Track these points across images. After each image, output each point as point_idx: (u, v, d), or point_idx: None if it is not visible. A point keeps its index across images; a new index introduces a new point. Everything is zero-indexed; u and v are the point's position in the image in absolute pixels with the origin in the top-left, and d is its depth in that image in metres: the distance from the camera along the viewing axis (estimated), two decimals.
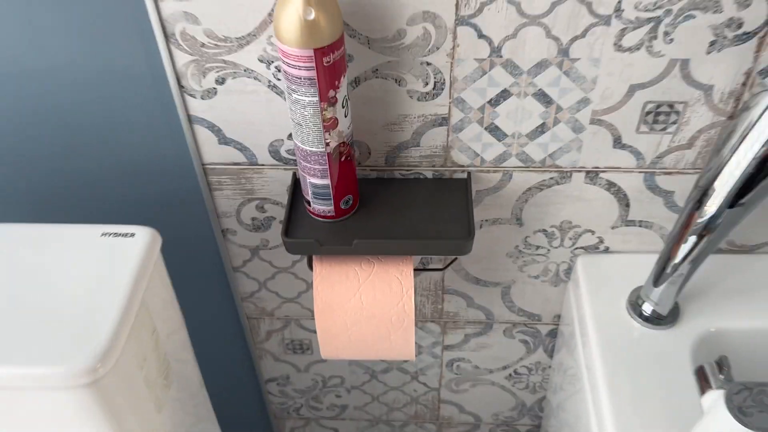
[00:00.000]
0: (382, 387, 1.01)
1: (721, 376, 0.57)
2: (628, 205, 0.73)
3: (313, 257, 0.69)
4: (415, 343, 0.93)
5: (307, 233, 0.66)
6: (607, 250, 0.78)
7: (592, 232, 0.76)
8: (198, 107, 0.67)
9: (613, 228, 0.76)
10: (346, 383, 1.01)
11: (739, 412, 0.52)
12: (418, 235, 0.66)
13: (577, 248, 0.78)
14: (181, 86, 0.65)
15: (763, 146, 0.58)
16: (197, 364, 0.76)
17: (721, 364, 0.58)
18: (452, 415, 1.05)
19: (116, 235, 0.60)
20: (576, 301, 0.78)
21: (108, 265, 0.58)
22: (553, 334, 0.90)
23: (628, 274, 0.75)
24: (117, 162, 0.73)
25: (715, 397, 0.54)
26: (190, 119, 0.68)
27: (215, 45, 0.62)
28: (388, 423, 1.08)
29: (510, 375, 0.97)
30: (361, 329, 0.69)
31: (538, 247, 0.78)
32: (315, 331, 0.92)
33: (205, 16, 0.60)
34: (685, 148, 0.67)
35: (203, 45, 0.62)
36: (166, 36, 0.62)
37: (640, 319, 0.72)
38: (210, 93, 0.66)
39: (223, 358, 0.97)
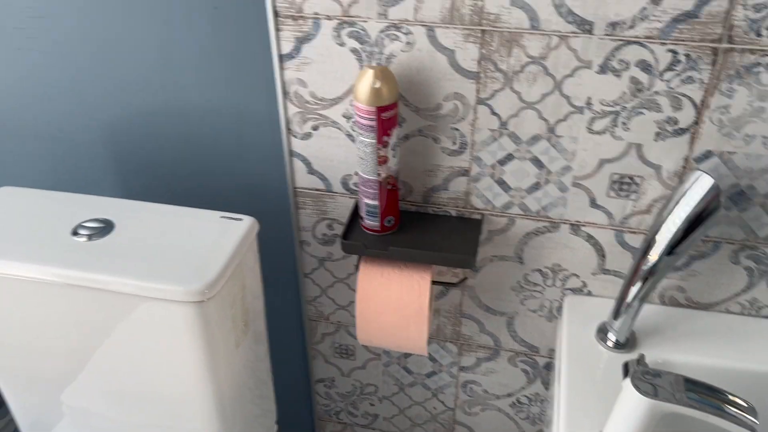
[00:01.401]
0: (408, 401, 1.23)
1: (639, 367, 0.77)
2: (604, 256, 0.95)
3: (361, 258, 0.95)
4: (436, 361, 1.15)
5: (357, 239, 0.93)
6: (590, 294, 1.00)
7: (577, 276, 0.98)
8: (298, 145, 0.96)
9: (593, 274, 0.98)
10: (379, 392, 1.23)
11: (637, 384, 0.72)
12: (437, 249, 0.91)
13: (566, 289, 1.00)
14: (288, 129, 0.95)
15: (692, 209, 0.80)
16: (266, 334, 1.01)
17: (640, 360, 0.78)
18: None
19: (230, 218, 0.89)
20: (559, 332, 0.99)
21: (223, 234, 0.86)
22: (549, 366, 1.10)
23: (604, 314, 0.96)
24: (238, 178, 1.03)
25: (627, 380, 0.74)
26: (291, 153, 0.97)
27: (315, 102, 0.92)
28: None
29: (513, 403, 1.16)
30: (388, 317, 0.94)
31: (535, 284, 1.01)
32: None
33: (311, 82, 0.90)
34: (645, 213, 0.90)
35: (307, 102, 0.92)
36: (285, 93, 0.92)
37: (605, 345, 0.92)
38: (307, 136, 0.95)
39: (284, 353, 1.23)
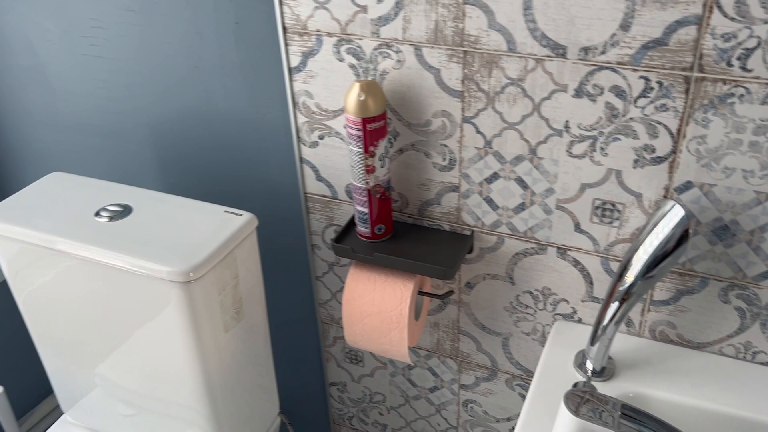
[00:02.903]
0: (413, 414, 1.25)
1: (583, 388, 0.77)
2: (591, 283, 0.95)
3: (351, 263, 1.00)
4: (438, 376, 1.17)
5: (348, 243, 0.98)
6: (580, 321, 0.99)
7: (567, 302, 0.98)
8: (307, 152, 1.04)
9: (582, 301, 0.97)
10: (387, 402, 1.27)
11: (570, 403, 0.72)
12: (420, 260, 0.94)
13: (556, 314, 1.00)
14: (298, 137, 1.03)
15: (666, 235, 0.79)
16: (268, 330, 1.08)
17: (586, 383, 0.77)
18: None
19: (232, 213, 0.97)
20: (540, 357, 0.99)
21: (220, 226, 0.95)
22: None
23: None
24: (259, 181, 1.12)
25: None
26: (302, 160, 1.05)
27: (320, 113, 0.99)
28: None
29: (512, 429, 1.16)
30: (371, 321, 0.98)
31: (527, 306, 1.01)
32: None
33: (316, 94, 0.97)
34: (628, 242, 0.89)
35: (314, 112, 0.99)
36: (294, 103, 1.00)
37: (582, 372, 0.92)
38: (315, 144, 1.02)
39: (300, 355, 1.29)
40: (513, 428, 1.16)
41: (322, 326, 1.23)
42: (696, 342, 0.93)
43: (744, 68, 0.73)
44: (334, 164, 1.03)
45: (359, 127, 0.89)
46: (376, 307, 0.97)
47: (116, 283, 0.93)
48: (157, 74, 1.10)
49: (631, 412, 0.72)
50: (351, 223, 1.02)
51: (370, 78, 0.93)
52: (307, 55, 0.95)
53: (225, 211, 0.98)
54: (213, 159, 1.14)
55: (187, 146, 1.15)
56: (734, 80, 0.74)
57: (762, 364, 0.91)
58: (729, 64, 0.73)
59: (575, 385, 0.80)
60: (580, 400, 0.73)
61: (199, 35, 1.02)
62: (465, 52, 0.85)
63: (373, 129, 0.89)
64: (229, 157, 1.12)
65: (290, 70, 0.97)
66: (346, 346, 1.23)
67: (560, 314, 1.00)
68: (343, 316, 1.00)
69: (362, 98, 0.87)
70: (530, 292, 1.00)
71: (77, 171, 1.30)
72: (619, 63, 0.78)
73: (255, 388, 1.09)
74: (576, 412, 0.72)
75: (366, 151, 0.90)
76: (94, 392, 1.12)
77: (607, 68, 0.79)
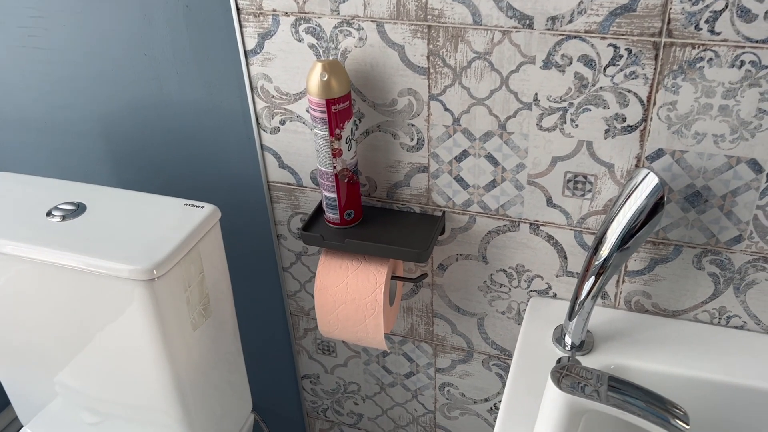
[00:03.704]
0: (390, 401, 1.23)
1: (568, 363, 0.76)
2: (566, 257, 0.94)
3: (321, 251, 0.97)
4: (413, 361, 1.15)
5: (318, 231, 0.95)
6: (555, 296, 0.98)
7: (542, 278, 0.97)
8: (268, 139, 1.00)
9: (557, 276, 0.96)
10: (361, 391, 1.24)
11: (557, 378, 0.71)
12: (392, 244, 0.92)
13: (531, 291, 0.99)
14: (258, 123, 0.99)
15: (640, 205, 0.78)
16: (236, 325, 1.04)
17: (570, 358, 0.76)
18: None
19: (193, 206, 0.93)
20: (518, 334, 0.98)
21: (182, 219, 0.90)
22: None
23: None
24: (218, 171, 1.08)
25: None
26: (263, 147, 1.01)
27: (280, 97, 0.95)
28: None
29: (491, 409, 1.15)
30: (345, 309, 0.95)
31: (501, 285, 1.00)
32: None
33: (275, 77, 0.94)
34: (601, 213, 0.88)
35: (273, 96, 0.96)
36: (252, 88, 0.96)
37: (561, 347, 0.91)
38: (275, 130, 0.99)
39: (270, 348, 1.26)
40: (491, 408, 1.15)
41: (292, 318, 1.20)
42: (671, 310, 0.93)
43: (712, 31, 0.72)
44: (297, 150, 0.99)
45: (323, 109, 0.85)
46: (349, 295, 0.94)
47: (74, 286, 0.88)
48: (103, 64, 1.04)
49: (617, 384, 0.71)
50: (318, 210, 0.99)
51: (331, 58, 0.89)
52: (264, 36, 0.91)
53: (185, 204, 0.94)
54: (168, 151, 1.09)
55: (140, 139, 1.09)
56: (703, 44, 0.73)
57: (736, 327, 0.91)
58: (697, 28, 0.72)
59: (559, 360, 0.79)
60: (567, 375, 0.72)
61: (148, 21, 0.97)
62: (429, 26, 0.82)
63: (338, 110, 0.86)
64: (185, 149, 1.07)
65: (246, 53, 0.93)
66: (318, 337, 1.20)
67: (535, 291, 0.99)
68: (315, 306, 0.97)
69: (325, 78, 0.83)
70: (504, 270, 0.98)
71: (20, 170, 1.23)
72: (587, 31, 0.76)
73: (226, 386, 1.06)
74: (563, 388, 0.70)
75: (332, 134, 0.87)
76: (55, 402, 1.07)
77: (575, 37, 0.77)
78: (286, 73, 0.93)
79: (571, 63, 0.79)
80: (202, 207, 0.93)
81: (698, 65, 0.74)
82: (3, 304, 0.96)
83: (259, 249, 1.13)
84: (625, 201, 0.80)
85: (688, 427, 0.69)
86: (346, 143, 0.89)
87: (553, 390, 0.71)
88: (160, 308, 0.86)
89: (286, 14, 0.88)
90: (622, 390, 0.71)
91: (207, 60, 0.97)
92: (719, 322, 0.92)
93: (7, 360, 1.04)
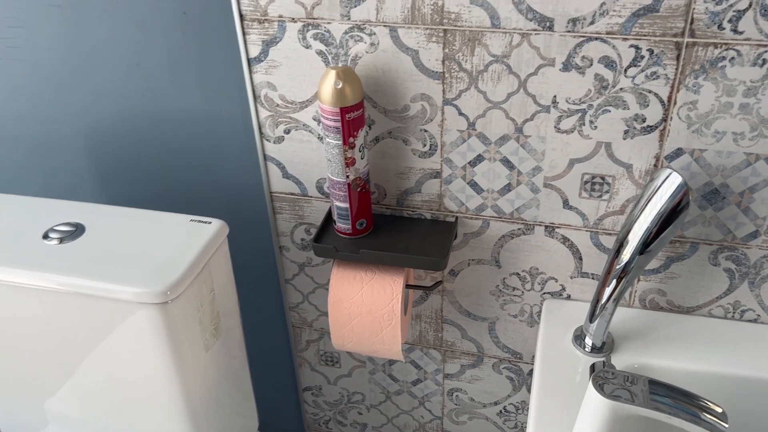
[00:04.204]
0: (395, 409, 1.21)
1: (604, 368, 0.75)
2: (581, 259, 0.93)
3: (333, 262, 0.94)
4: (421, 368, 1.14)
5: (329, 242, 0.92)
6: (569, 297, 0.98)
7: (556, 280, 0.97)
8: (271, 149, 0.97)
9: (572, 278, 0.96)
10: (366, 401, 1.22)
11: (599, 385, 0.70)
12: (408, 252, 0.90)
13: (545, 293, 0.98)
14: (261, 133, 0.96)
15: (661, 208, 0.78)
16: (243, 339, 1.01)
17: (606, 362, 0.76)
18: None
19: (200, 222, 0.89)
20: (538, 338, 0.97)
21: (190, 237, 0.86)
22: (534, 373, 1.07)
23: (583, 318, 0.94)
24: (216, 183, 1.04)
25: (590, 381, 0.73)
26: (265, 157, 0.98)
27: (285, 105, 0.92)
28: None
29: (500, 412, 1.14)
30: (361, 321, 0.93)
31: (514, 288, 0.99)
32: None
33: (280, 85, 0.90)
34: (618, 214, 0.88)
35: (278, 105, 0.92)
36: (255, 97, 0.92)
37: (582, 349, 0.90)
38: (280, 139, 0.95)
39: (271, 361, 1.22)
40: (501, 411, 1.14)
41: (294, 330, 1.17)
42: (686, 307, 0.94)
43: (735, 30, 0.72)
44: (302, 159, 0.96)
45: (337, 118, 0.83)
46: (365, 307, 0.92)
47: (78, 312, 0.84)
48: (90, 76, 0.99)
49: (657, 387, 0.71)
50: (327, 221, 0.96)
51: (340, 64, 0.87)
52: (269, 43, 0.87)
53: (191, 221, 0.90)
54: (161, 164, 1.04)
55: (132, 153, 1.05)
56: (725, 43, 0.73)
57: (750, 321, 0.92)
58: (720, 28, 0.72)
59: (592, 366, 0.78)
60: (608, 381, 0.71)
61: (141, 29, 0.92)
62: (445, 30, 0.80)
63: (351, 119, 0.83)
64: (180, 162, 1.03)
65: (249, 61, 0.90)
66: (322, 348, 1.17)
67: (548, 293, 0.98)
68: (329, 319, 0.94)
69: (339, 86, 0.81)
70: (517, 274, 0.98)
71: (1, 191, 1.16)
72: (608, 33, 0.76)
73: (235, 405, 1.02)
74: (607, 395, 0.70)
75: (345, 143, 0.85)
76: None
77: (596, 39, 0.76)
78: (292, 81, 0.90)
79: (591, 65, 0.78)
80: (210, 223, 0.89)
81: (720, 64, 0.74)
82: (3, 335, 0.90)
83: (260, 261, 1.09)
84: (647, 202, 0.79)
85: (726, 425, 0.69)
86: (359, 151, 0.86)
87: (597, 397, 0.70)
88: (173, 332, 0.82)
89: (293, 20, 0.85)
90: (662, 393, 0.70)
91: (205, 69, 0.93)
92: (733, 316, 0.93)
93: (2, 391, 0.98)
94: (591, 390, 0.71)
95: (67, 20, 0.94)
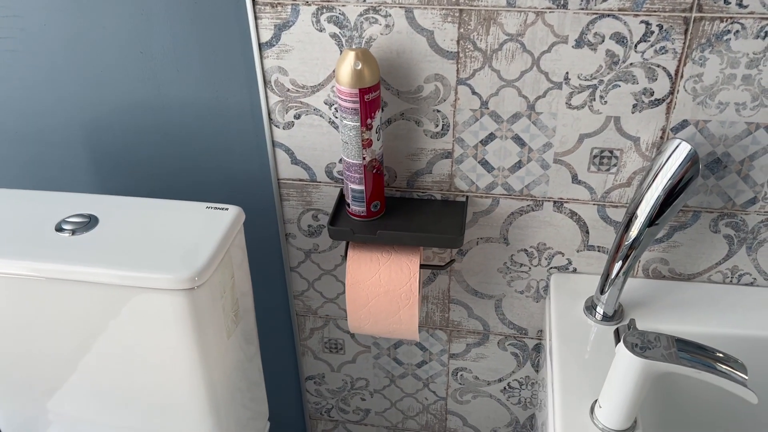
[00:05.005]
0: (399, 393, 1.22)
1: (630, 331, 0.78)
2: (587, 232, 0.97)
3: (349, 244, 0.95)
4: (426, 349, 1.15)
5: (345, 225, 0.93)
6: (575, 271, 1.01)
7: (562, 254, 1.00)
8: (280, 135, 0.97)
9: (578, 251, 0.99)
10: (370, 386, 1.23)
11: (630, 346, 0.73)
12: (424, 231, 0.91)
13: (551, 267, 1.01)
14: (270, 119, 0.95)
15: (670, 179, 0.82)
16: (256, 327, 1.00)
17: (630, 325, 0.79)
18: (457, 427, 1.24)
19: (216, 208, 0.88)
20: (548, 310, 1.00)
21: (209, 224, 0.86)
22: (539, 348, 1.10)
23: (590, 290, 0.98)
24: (221, 171, 1.03)
25: (620, 343, 0.76)
26: (274, 143, 0.98)
27: (296, 90, 0.92)
28: (403, 431, 1.28)
29: (505, 388, 1.17)
30: (378, 302, 0.94)
31: (521, 265, 1.02)
32: (348, 332, 1.16)
33: (292, 70, 0.91)
34: (625, 186, 0.92)
35: (288, 90, 0.92)
36: (266, 82, 0.92)
37: (594, 318, 0.94)
38: (289, 125, 0.95)
39: (273, 351, 1.22)
40: (505, 388, 1.17)
41: (298, 319, 1.16)
42: (686, 274, 0.98)
43: (740, 5, 0.76)
44: (312, 144, 0.96)
45: (356, 99, 0.83)
46: (383, 287, 0.93)
47: (99, 303, 0.82)
48: (89, 66, 0.97)
49: (684, 345, 0.74)
50: (339, 205, 0.96)
51: (354, 47, 0.87)
52: (281, 27, 0.87)
53: (207, 207, 0.89)
54: (164, 152, 1.03)
55: (136, 142, 1.03)
56: (731, 17, 0.77)
57: (747, 285, 0.97)
58: (726, 2, 0.76)
59: (617, 330, 0.81)
60: (638, 341, 0.74)
61: (145, 16, 0.91)
62: (461, 10, 0.82)
63: (369, 99, 0.84)
64: (185, 149, 1.02)
65: (260, 46, 0.89)
66: (325, 336, 1.17)
67: (555, 267, 1.01)
68: (347, 302, 0.95)
69: (359, 67, 0.82)
70: (525, 250, 1.00)
71: (3, 186, 1.12)
72: (620, 9, 0.79)
73: (251, 393, 1.02)
74: (638, 353, 0.73)
75: (363, 124, 0.85)
76: (66, 426, 0.99)
77: (608, 16, 0.79)
78: (305, 65, 0.90)
79: (603, 41, 0.81)
80: (227, 209, 0.88)
81: (725, 38, 0.79)
82: (20, 331, 0.87)
83: (264, 250, 1.09)
84: (658, 172, 0.83)
85: (747, 377, 0.73)
86: (376, 133, 0.87)
87: (629, 357, 0.73)
88: (199, 318, 0.81)
89: (307, 3, 0.85)
90: (689, 350, 0.74)
91: (213, 55, 0.92)
92: (731, 281, 0.97)
93: (20, 395, 0.95)
94: (622, 351, 0.74)
95: (66, 9, 0.92)
